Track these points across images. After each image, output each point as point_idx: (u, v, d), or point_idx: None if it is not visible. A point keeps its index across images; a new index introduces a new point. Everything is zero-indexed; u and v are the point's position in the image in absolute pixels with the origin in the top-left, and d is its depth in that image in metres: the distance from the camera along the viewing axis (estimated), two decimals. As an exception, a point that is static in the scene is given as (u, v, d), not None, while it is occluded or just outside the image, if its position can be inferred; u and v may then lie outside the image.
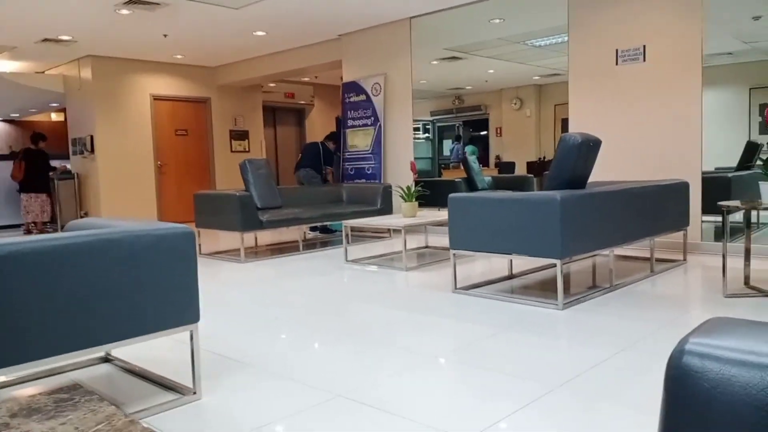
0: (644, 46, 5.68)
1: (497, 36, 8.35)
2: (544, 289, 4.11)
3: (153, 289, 2.13)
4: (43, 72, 9.85)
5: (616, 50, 5.86)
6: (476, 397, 2.26)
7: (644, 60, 5.70)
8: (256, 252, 6.54)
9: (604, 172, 5.40)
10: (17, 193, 9.47)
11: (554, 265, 3.60)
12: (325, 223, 7.09)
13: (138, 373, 2.65)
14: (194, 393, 2.32)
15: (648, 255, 4.78)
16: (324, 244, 6.92)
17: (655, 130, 5.68)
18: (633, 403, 2.16)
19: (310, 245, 6.83)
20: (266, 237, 7.63)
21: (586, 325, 3.20)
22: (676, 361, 0.68)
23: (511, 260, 4.65)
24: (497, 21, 7.50)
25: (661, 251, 5.29)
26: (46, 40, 7.83)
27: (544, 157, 11.06)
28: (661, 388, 1.97)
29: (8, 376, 2.57)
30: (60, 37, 7.78)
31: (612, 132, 5.83)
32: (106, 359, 2.83)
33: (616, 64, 5.88)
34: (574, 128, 6.23)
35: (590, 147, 3.79)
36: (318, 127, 12.30)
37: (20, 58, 8.87)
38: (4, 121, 13.82)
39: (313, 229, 7.75)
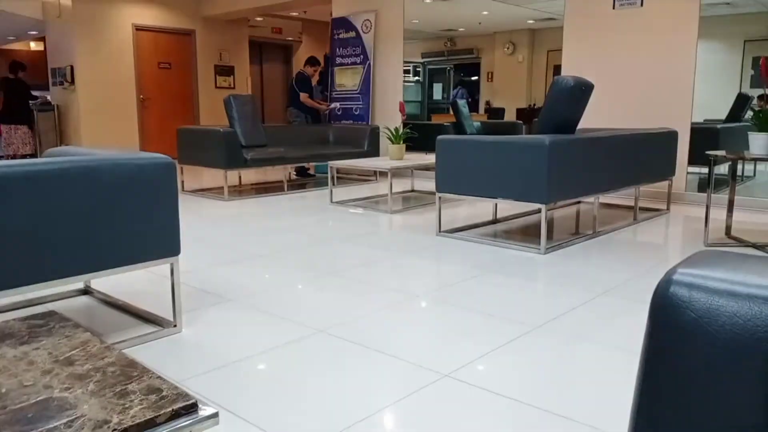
0: (642, -9, 5.54)
1: (493, -25, 8.10)
2: (528, 234, 4.12)
3: (132, 220, 2.09)
4: (20, -3, 9.43)
5: (614, -7, 5.71)
6: (456, 336, 2.28)
7: (641, 5, 5.56)
8: (239, 191, 6.47)
9: (594, 118, 5.35)
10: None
11: (539, 211, 3.60)
12: (302, 164, 6.93)
13: (118, 306, 2.64)
14: (174, 326, 2.32)
15: (632, 203, 4.80)
16: (308, 186, 6.86)
17: (647, 78, 5.61)
18: (610, 343, 2.20)
19: (294, 186, 6.77)
20: (251, 176, 7.55)
21: (567, 269, 3.22)
22: (662, 291, 0.66)
23: (496, 204, 4.65)
24: (493, -41, 7.25)
25: (645, 200, 5.31)
26: (21, -39, 7.46)
27: (535, 104, 10.95)
28: (638, 330, 1.99)
29: (-14, 304, 2.55)
30: (36, -40, 7.42)
31: (604, 78, 5.74)
32: (86, 291, 2.81)
33: (613, 8, 5.74)
34: (567, 73, 6.12)
35: (583, 91, 3.73)
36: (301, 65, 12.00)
37: (-5, -19, 8.47)
38: (-20, 48, 13.33)
39: (295, 170, 7.58)
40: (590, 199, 4.22)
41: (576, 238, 3.97)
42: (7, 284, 1.86)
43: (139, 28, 9.30)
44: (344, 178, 7.35)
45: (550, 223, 4.50)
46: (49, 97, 9.51)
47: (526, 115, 10.54)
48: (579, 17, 5.99)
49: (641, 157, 4.39)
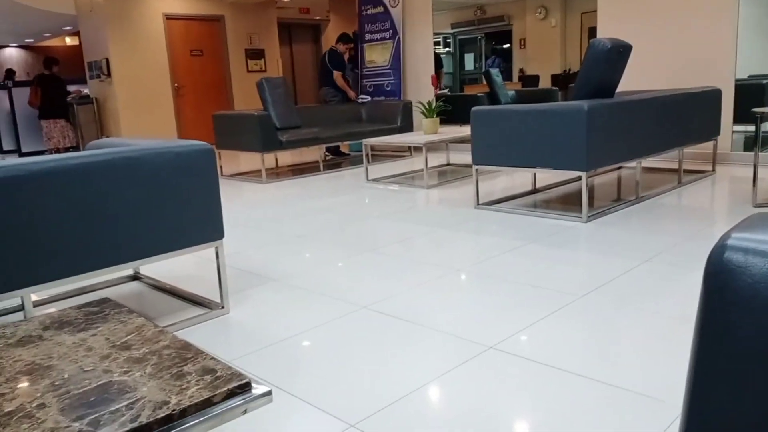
0: (680, -56, 5.31)
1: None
2: (568, 203, 4.06)
3: (176, 207, 2.14)
4: (53, -7, 9.62)
5: (650, -51, 5.49)
6: (499, 308, 2.28)
7: (679, -41, 5.33)
8: (277, 173, 6.54)
9: (633, 81, 5.19)
10: (38, 120, 9.48)
11: (579, 179, 3.53)
12: (335, 144, 6.85)
13: (167, 290, 2.72)
14: (222, 307, 2.37)
15: (676, 166, 4.66)
16: (344, 165, 6.88)
17: (687, 36, 5.40)
18: (656, 310, 2.16)
19: (330, 165, 6.80)
20: (286, 157, 7.61)
21: (610, 237, 3.17)
22: (717, 256, 0.64)
23: (534, 174, 4.58)
24: None
25: (690, 162, 5.16)
26: (52, -42, 7.59)
27: (570, 70, 10.68)
28: (685, 297, 1.95)
29: (40, 295, 2.66)
30: (66, -45, 7.54)
31: (643, 39, 5.55)
32: (135, 277, 2.90)
33: (649, -36, 5.52)
34: (603, 35, 5.95)
35: (620, 53, 3.62)
36: (334, 43, 11.94)
37: (28, -21, 8.65)
38: (20, 47, 13.70)
39: (329, 150, 7.54)
40: (632, 164, 4.12)
41: (618, 204, 3.89)
42: (64, 273, 1.93)
43: (169, 17, 9.39)
44: (379, 155, 7.34)
45: (591, 191, 4.42)
46: (87, 91, 9.73)
47: (561, 81, 10.30)
48: (613, -24, 5.79)
49: (684, 118, 4.26)
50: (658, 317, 2.11)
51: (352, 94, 7.63)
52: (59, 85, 9.13)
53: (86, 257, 1.97)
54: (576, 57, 10.48)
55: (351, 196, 4.90)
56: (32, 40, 13.34)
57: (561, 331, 2.04)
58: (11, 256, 1.81)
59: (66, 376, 1.09)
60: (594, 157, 3.43)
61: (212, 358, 1.11)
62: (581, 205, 3.53)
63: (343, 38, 7.53)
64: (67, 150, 9.48)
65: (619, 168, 5.19)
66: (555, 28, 11.46)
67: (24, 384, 1.07)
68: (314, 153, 7.33)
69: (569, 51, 11.19)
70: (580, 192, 3.91)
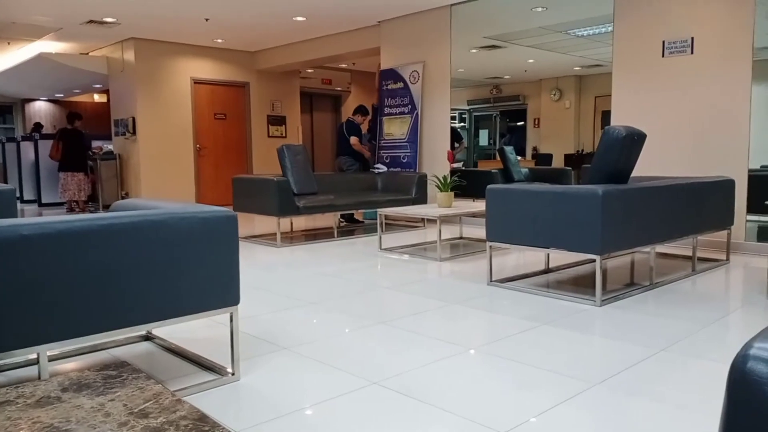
0: (692, 38, 5.52)
1: (539, 25, 8.21)
2: (581, 285, 4.05)
3: (196, 271, 2.17)
4: (87, 53, 10.06)
5: (663, 42, 5.70)
6: (513, 391, 2.25)
7: (692, 52, 5.53)
8: (291, 237, 6.60)
9: (647, 166, 5.28)
10: (57, 172, 9.71)
11: (593, 261, 3.55)
12: (351, 212, 6.96)
13: (177, 352, 2.71)
14: (232, 374, 2.36)
15: (690, 253, 4.67)
16: (357, 232, 6.94)
17: (701, 125, 5.52)
18: (673, 402, 2.12)
19: (343, 232, 6.86)
20: (301, 222, 7.70)
21: (625, 322, 3.15)
22: (739, 366, 0.66)
23: (548, 254, 4.59)
24: (540, 9, 7.37)
25: (704, 250, 5.16)
26: (91, 21, 7.99)
27: (583, 150, 10.86)
28: (701, 388, 1.93)
29: (53, 351, 2.66)
30: (104, 19, 7.93)
31: (656, 126, 5.68)
32: (147, 337, 2.90)
33: (663, 56, 5.72)
34: (616, 121, 6.10)
35: (634, 141, 3.71)
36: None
37: (66, 40, 9.07)
38: (49, 101, 14.20)
39: (343, 217, 7.65)
40: (646, 249, 4.13)
41: (632, 289, 3.88)
42: (81, 332, 1.94)
43: (196, 81, 9.76)
44: (392, 224, 7.40)
45: (605, 274, 4.42)
46: (111, 147, 10.00)
47: (574, 160, 10.45)
48: (627, 65, 5.99)
49: (698, 206, 4.30)
50: (677, 410, 2.07)
51: (368, 154, 7.85)
52: (80, 139, 9.41)
53: (104, 317, 1.99)
54: (589, 138, 10.68)
55: (364, 264, 4.92)
56: (62, 95, 13.84)
57: (576, 419, 2.00)
58: (31, 312, 1.84)
59: (83, 442, 1.09)
60: (608, 241, 3.45)
61: (228, 431, 1.11)
62: (595, 288, 3.53)
63: (360, 110, 7.81)
64: (85, 203, 9.66)
65: (633, 252, 5.20)
66: (569, 110, 11.73)
67: (41, 448, 1.07)
68: (328, 219, 7.42)
69: (583, 131, 11.41)
70: (593, 274, 3.91)
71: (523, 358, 2.59)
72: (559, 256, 4.77)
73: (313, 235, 6.74)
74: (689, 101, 5.57)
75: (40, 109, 14.15)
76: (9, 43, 9.29)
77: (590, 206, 3.40)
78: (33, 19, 7.78)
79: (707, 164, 5.43)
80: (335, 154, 7.98)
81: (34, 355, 2.31)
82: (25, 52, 9.72)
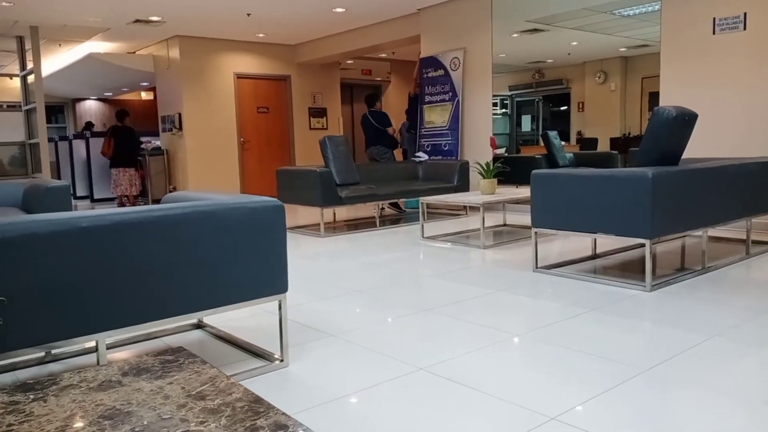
0: (744, 14, 5.29)
1: (583, 6, 8.01)
2: (630, 271, 3.97)
3: (246, 260, 2.22)
4: (134, 52, 10.33)
5: (714, 18, 5.49)
6: (560, 377, 2.23)
7: (744, 28, 5.31)
8: (334, 227, 6.66)
9: (699, 148, 5.11)
10: (109, 168, 10.02)
11: (641, 246, 3.47)
12: (396, 200, 7.08)
13: (227, 339, 2.78)
14: (281, 360, 2.41)
15: (744, 237, 4.51)
16: (399, 221, 6.96)
17: (755, 104, 5.31)
18: (724, 390, 2.06)
19: (385, 221, 6.89)
20: (343, 212, 7.76)
21: (675, 308, 3.07)
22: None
23: (595, 240, 4.51)
24: (583, -10, 7.20)
25: (759, 233, 4.97)
26: (137, 21, 8.19)
27: (629, 133, 10.57)
28: (754, 377, 1.87)
29: (109, 339, 2.76)
30: (150, 18, 8.12)
31: (708, 105, 5.49)
32: (198, 325, 2.99)
33: (713, 33, 5.51)
34: (665, 102, 5.92)
35: (685, 121, 3.59)
36: (393, 103, 12.28)
37: (113, 39, 9.34)
38: (98, 100, 14.65)
39: (392, 205, 7.80)
40: (697, 232, 4.01)
41: (683, 274, 3.77)
42: (137, 320, 2.02)
43: (240, 76, 9.91)
44: (434, 213, 7.39)
45: (654, 259, 4.31)
46: (159, 143, 10.27)
47: (620, 144, 10.20)
48: (676, 44, 5.80)
49: (752, 187, 4.14)
50: (731, 399, 2.01)
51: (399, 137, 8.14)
52: (131, 135, 9.64)
53: (158, 305, 2.06)
54: (636, 121, 10.39)
55: (406, 253, 4.93)
56: (111, 93, 14.26)
57: (624, 406, 1.97)
58: (90, 301, 1.92)
59: (145, 422, 1.13)
60: (658, 224, 3.36)
61: (283, 413, 1.14)
62: (644, 273, 3.45)
63: (376, 98, 8.15)
64: (135, 198, 9.96)
65: (683, 236, 5.06)
66: (614, 92, 11.43)
67: (106, 428, 1.12)
68: (369, 209, 7.45)
69: (629, 114, 11.10)
70: (642, 259, 3.83)
71: (570, 345, 2.56)
72: (607, 242, 4.68)
73: (355, 225, 6.79)
74: (742, 79, 5.36)
75: (90, 107, 14.62)
76: (60, 45, 9.61)
77: (640, 189, 3.32)
78: (82, 21, 8.03)
79: (762, 144, 5.22)
80: (365, 146, 8.09)
81: (91, 344, 2.41)
82: (75, 53, 10.05)
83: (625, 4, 7.61)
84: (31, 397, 1.29)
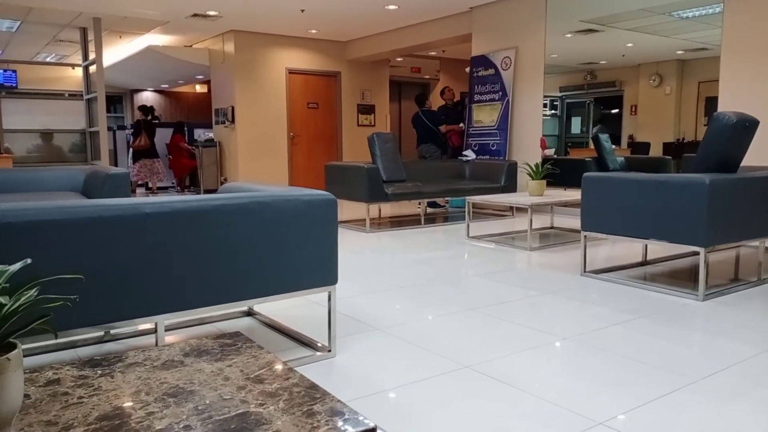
0: (816, 17, 5.09)
1: (640, 6, 7.83)
2: (682, 279, 3.88)
3: (298, 250, 2.28)
4: (191, 46, 10.60)
5: (781, 21, 5.29)
6: (607, 383, 2.20)
7: (814, 32, 5.10)
8: (379, 223, 6.71)
9: (759, 156, 4.94)
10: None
11: (695, 253, 3.39)
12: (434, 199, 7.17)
13: (276, 328, 2.85)
14: (329, 351, 2.46)
15: (805, 249, 4.34)
16: (443, 220, 6.95)
17: (822, 112, 5.09)
18: (785, 405, 2.01)
19: (430, 219, 6.90)
20: (387, 209, 7.80)
21: (729, 319, 2.99)
22: None
23: (646, 246, 4.42)
24: (642, -9, 7.03)
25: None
26: (195, 15, 8.40)
27: (684, 139, 10.27)
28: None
29: (168, 321, 2.87)
30: (208, 13, 8.32)
31: (769, 112, 5.30)
32: (249, 313, 3.07)
33: (780, 36, 5.31)
34: (725, 107, 5.74)
35: (745, 128, 3.49)
36: (440, 100, 12.24)
37: (171, 33, 9.60)
38: (155, 91, 15.09)
39: (431, 204, 7.86)
40: (754, 242, 3.89)
41: (737, 284, 3.67)
42: (193, 304, 2.09)
43: (291, 72, 10.06)
44: (479, 213, 7.36)
45: (707, 268, 4.20)
46: (212, 135, 10.53)
47: (674, 149, 9.92)
48: (738, 48, 5.61)
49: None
50: (786, 412, 1.96)
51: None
52: (154, 128, 10.38)
53: (214, 291, 2.13)
54: (691, 126, 10.09)
55: (452, 251, 4.94)
56: (167, 85, 14.67)
57: (671, 417, 1.94)
58: (151, 284, 2.00)
59: (207, 402, 1.19)
60: (714, 232, 3.28)
61: (339, 400, 1.18)
62: (696, 282, 3.37)
63: (425, 97, 8.39)
64: (186, 187, 10.34)
65: (739, 246, 4.90)
66: (669, 96, 11.12)
67: (171, 405, 1.18)
68: (413, 206, 7.47)
69: (684, 119, 10.79)
70: (694, 268, 3.74)
71: (618, 351, 2.53)
72: (658, 248, 4.58)
73: (399, 222, 6.82)
74: (809, 85, 5.15)
75: (147, 99, 15.06)
76: (120, 37, 9.94)
77: (696, 196, 3.24)
78: (142, 14, 8.29)
79: (828, 154, 5.01)
80: (416, 143, 8.28)
81: (145, 326, 2.51)
82: (134, 45, 10.38)
83: (684, 6, 7.40)
84: (99, 372, 1.36)
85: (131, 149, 10.82)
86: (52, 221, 1.81)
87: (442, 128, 8.04)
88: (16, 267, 1.11)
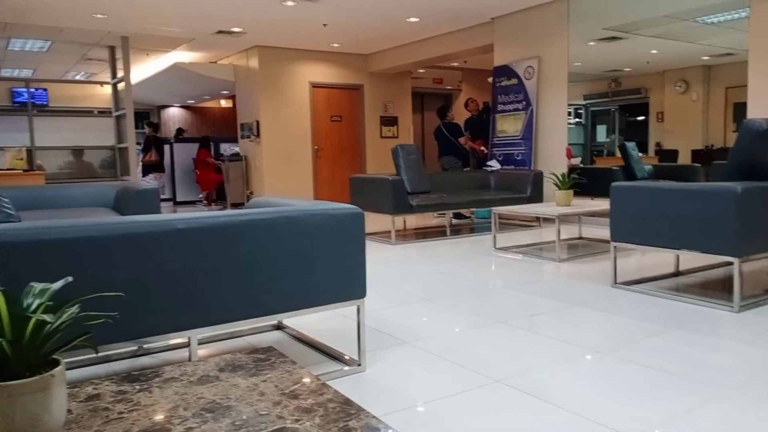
0: None
1: (664, 13, 7.76)
2: (716, 289, 3.80)
3: (327, 264, 2.29)
4: (216, 62, 10.77)
5: (812, 25, 5.20)
6: (641, 396, 2.16)
7: None
8: (404, 235, 6.71)
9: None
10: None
11: (729, 264, 3.32)
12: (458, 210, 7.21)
13: (305, 341, 2.86)
14: (359, 365, 2.46)
15: (843, 257, 4.22)
16: (469, 231, 6.92)
17: None
18: (829, 419, 1.95)
19: (455, 231, 6.87)
20: (412, 221, 7.80)
21: (766, 330, 2.92)
22: None
23: (678, 256, 4.34)
24: (666, -3, 6.97)
25: None
26: (220, 32, 8.55)
27: (712, 146, 10.11)
28: None
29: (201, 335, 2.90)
30: (232, 29, 8.46)
31: (802, 118, 5.19)
32: (278, 327, 3.08)
33: (811, 40, 5.22)
34: (754, 113, 5.64)
35: (778, 134, 3.42)
36: (464, 112, 12.24)
37: (197, 49, 9.78)
38: (181, 107, 15.35)
39: (457, 216, 7.88)
40: (790, 251, 3.79)
41: (774, 294, 3.58)
42: (225, 319, 2.11)
43: (315, 85, 10.16)
44: (505, 223, 7.31)
45: (742, 278, 4.11)
46: (237, 149, 10.66)
47: (702, 157, 9.77)
48: (766, 51, 5.52)
49: None
50: (830, 426, 1.90)
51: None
52: (162, 143, 10.82)
53: (245, 305, 2.15)
54: (719, 133, 9.93)
55: (478, 262, 4.91)
56: (193, 101, 14.91)
57: (711, 428, 1.90)
58: (185, 298, 2.02)
59: (244, 417, 1.20)
60: (747, 242, 3.21)
61: (374, 416, 1.18)
62: (730, 293, 3.30)
63: (448, 108, 8.52)
64: (213, 201, 10.51)
65: (773, 254, 4.79)
66: (696, 102, 10.97)
67: (209, 420, 1.19)
68: (439, 217, 7.46)
69: (712, 126, 10.62)
70: (728, 278, 3.66)
71: (652, 363, 2.48)
72: (690, 258, 4.50)
73: (423, 234, 6.81)
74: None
75: (174, 114, 15.33)
76: (147, 54, 10.15)
77: (727, 205, 3.18)
78: (169, 32, 8.47)
79: None
80: (438, 155, 8.37)
81: (176, 340, 2.53)
82: (161, 62, 10.59)
83: (709, 11, 7.31)
84: (137, 387, 1.38)
85: (141, 164, 11.07)
86: (89, 238, 1.85)
87: (461, 140, 8.11)
88: (58, 285, 1.14)
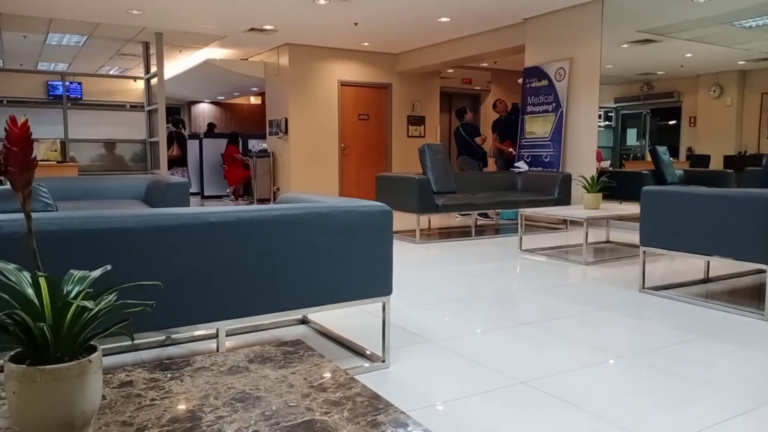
0: None
1: (700, 16, 7.63)
2: (746, 297, 3.72)
3: (354, 261, 2.30)
4: (247, 59, 10.88)
5: None
6: (669, 404, 2.14)
7: None
8: (428, 234, 6.70)
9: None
10: (221, 168, 10.74)
11: (760, 271, 3.25)
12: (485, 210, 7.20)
13: (330, 337, 2.89)
14: (383, 361, 2.47)
15: None
16: (494, 233, 6.89)
17: None
18: None
19: (480, 231, 6.85)
20: (436, 220, 7.79)
21: (801, 341, 2.86)
22: None
23: (708, 262, 4.27)
24: (702, 0, 6.85)
25: None
26: (252, 29, 8.64)
27: (746, 151, 9.90)
28: None
29: (210, 328, 2.94)
30: (264, 27, 8.54)
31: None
32: (303, 321, 3.11)
33: None
34: (791, 119, 5.51)
35: (818, 141, 3.34)
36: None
37: (228, 47, 9.89)
38: (211, 103, 15.54)
39: (481, 215, 7.87)
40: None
41: (808, 305, 3.50)
42: (253, 311, 2.14)
43: (343, 84, 10.20)
44: (531, 225, 7.26)
45: (774, 286, 4.03)
46: (265, 145, 10.76)
47: (734, 162, 9.58)
48: (809, 57, 5.38)
49: None
50: None
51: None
52: (185, 140, 10.75)
53: (273, 299, 2.18)
54: (753, 138, 9.72)
55: (503, 264, 4.88)
56: (223, 97, 15.09)
57: (744, 438, 1.87)
58: (215, 290, 2.06)
59: (274, 408, 1.21)
60: (783, 250, 3.14)
61: (402, 412, 1.19)
62: (761, 300, 3.23)
63: (466, 110, 8.51)
64: (240, 196, 10.60)
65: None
66: (730, 107, 10.75)
67: (239, 410, 1.21)
68: (464, 218, 7.43)
69: (746, 131, 10.40)
70: (759, 286, 3.59)
71: (679, 370, 2.45)
72: (720, 265, 4.42)
73: (448, 234, 6.79)
74: None
75: (204, 110, 15.53)
76: (180, 51, 10.30)
77: (761, 211, 3.12)
78: (202, 29, 8.58)
79: None
80: (456, 155, 8.45)
81: (201, 331, 2.58)
82: (193, 58, 10.73)
83: (746, 15, 7.17)
84: (169, 375, 1.41)
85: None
86: (125, 229, 1.89)
87: (478, 140, 8.19)
88: (97, 273, 1.17)
